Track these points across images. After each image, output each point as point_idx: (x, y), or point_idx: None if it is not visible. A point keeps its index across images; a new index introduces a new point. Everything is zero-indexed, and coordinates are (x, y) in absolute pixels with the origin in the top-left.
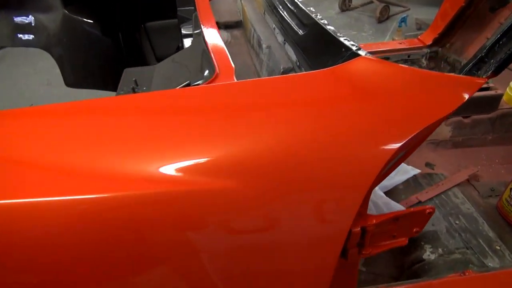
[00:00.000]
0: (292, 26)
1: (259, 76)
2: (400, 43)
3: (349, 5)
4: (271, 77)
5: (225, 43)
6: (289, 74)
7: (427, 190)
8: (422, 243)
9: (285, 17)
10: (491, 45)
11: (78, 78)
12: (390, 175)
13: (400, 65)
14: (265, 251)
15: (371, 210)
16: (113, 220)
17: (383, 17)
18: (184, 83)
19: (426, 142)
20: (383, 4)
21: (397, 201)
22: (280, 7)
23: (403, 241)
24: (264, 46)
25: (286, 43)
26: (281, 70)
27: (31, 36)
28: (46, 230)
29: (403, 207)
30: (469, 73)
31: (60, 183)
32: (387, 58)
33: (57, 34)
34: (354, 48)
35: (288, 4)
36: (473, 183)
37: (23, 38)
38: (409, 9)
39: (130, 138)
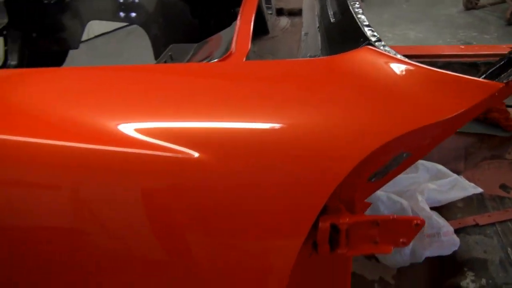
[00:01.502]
0: (328, 13)
1: None
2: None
3: (476, 3)
4: (273, 60)
5: (282, 29)
6: (288, 59)
7: (490, 213)
8: (465, 269)
9: (327, 2)
10: None
11: None
12: (445, 189)
13: (406, 60)
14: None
15: None
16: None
17: None
18: (204, 59)
19: (508, 160)
20: None
21: (449, 219)
22: None
23: (386, 248)
24: (303, 33)
25: (320, 30)
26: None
27: (132, 14)
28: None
29: (448, 225)
30: (491, 75)
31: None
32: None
33: (153, 14)
34: (373, 39)
35: None
36: None
37: (123, 15)
38: None
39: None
